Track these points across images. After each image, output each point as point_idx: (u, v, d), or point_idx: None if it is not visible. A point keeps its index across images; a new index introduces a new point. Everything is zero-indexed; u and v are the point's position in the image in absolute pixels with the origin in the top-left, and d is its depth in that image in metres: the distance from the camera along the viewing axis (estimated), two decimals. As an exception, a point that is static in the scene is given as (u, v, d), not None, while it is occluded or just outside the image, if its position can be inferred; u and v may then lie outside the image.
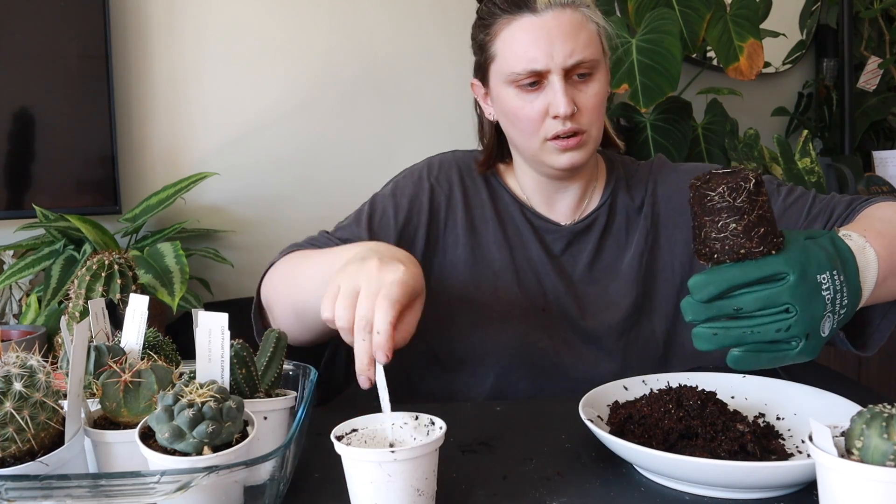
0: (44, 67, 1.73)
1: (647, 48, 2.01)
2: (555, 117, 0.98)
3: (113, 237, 1.65)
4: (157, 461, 0.58)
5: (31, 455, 0.59)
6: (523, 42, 0.97)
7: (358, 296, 0.71)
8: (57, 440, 0.61)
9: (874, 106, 2.68)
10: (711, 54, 2.43)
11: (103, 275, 1.39)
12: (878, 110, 2.68)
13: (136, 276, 1.47)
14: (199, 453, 0.58)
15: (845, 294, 0.69)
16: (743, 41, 2.13)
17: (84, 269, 1.41)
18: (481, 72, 1.06)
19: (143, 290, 1.44)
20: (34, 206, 1.65)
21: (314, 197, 2.05)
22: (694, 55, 2.40)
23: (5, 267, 1.67)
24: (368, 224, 1.06)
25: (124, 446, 0.63)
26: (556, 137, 0.99)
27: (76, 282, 1.44)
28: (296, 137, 2.04)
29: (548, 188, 1.09)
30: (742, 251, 0.66)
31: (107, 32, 1.77)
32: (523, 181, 1.11)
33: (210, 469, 0.55)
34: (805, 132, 2.24)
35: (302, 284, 0.91)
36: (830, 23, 2.70)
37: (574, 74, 0.98)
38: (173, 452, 0.58)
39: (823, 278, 0.67)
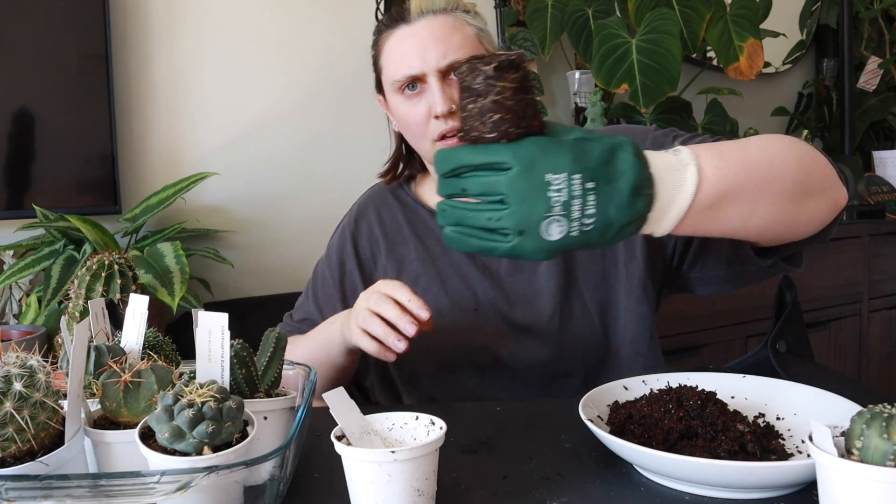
0: (44, 67, 1.73)
1: (647, 48, 2.01)
2: (436, 117, 1.03)
3: (113, 237, 1.65)
4: (157, 461, 0.58)
5: (31, 455, 0.59)
6: (400, 50, 1.05)
7: (370, 308, 0.91)
8: (57, 440, 0.61)
9: (874, 106, 2.69)
10: (711, 54, 2.43)
11: (103, 275, 1.39)
12: (878, 110, 2.69)
13: (136, 276, 1.47)
14: (199, 453, 0.58)
15: (591, 202, 0.64)
16: (743, 41, 2.12)
17: (84, 269, 1.41)
18: (378, 85, 1.14)
19: (143, 290, 1.44)
20: (34, 206, 1.65)
21: (314, 196, 2.05)
22: (694, 55, 2.40)
23: (5, 267, 1.67)
24: (314, 295, 1.21)
25: (124, 446, 0.63)
26: (443, 137, 1.04)
27: (76, 282, 1.44)
28: (296, 137, 2.04)
29: None
30: (474, 134, 0.65)
31: (107, 32, 1.77)
32: (432, 189, 1.16)
33: (210, 469, 0.55)
34: (805, 132, 2.24)
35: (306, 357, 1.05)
36: (830, 23, 2.70)
37: (452, 75, 1.03)
38: (173, 452, 0.58)
39: (556, 179, 0.63)
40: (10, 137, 1.70)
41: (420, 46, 1.03)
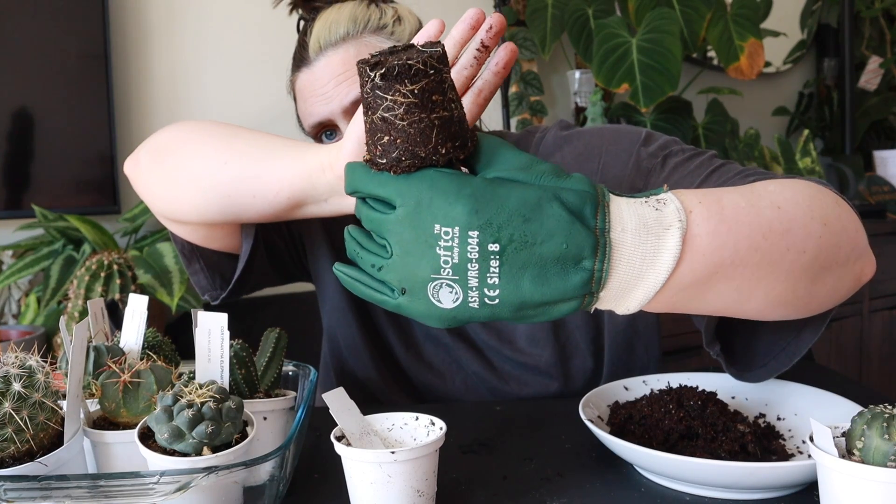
0: (43, 67, 1.73)
1: (647, 48, 2.01)
2: None
3: (112, 237, 1.65)
4: (157, 461, 0.58)
5: (30, 455, 0.59)
6: (302, 98, 0.94)
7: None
8: (56, 441, 0.61)
9: (875, 105, 2.69)
10: (712, 54, 2.43)
11: (102, 275, 1.39)
12: (878, 110, 2.69)
13: (135, 276, 1.47)
14: (199, 454, 0.58)
15: (493, 271, 0.49)
16: (743, 41, 2.13)
17: (83, 270, 1.41)
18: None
19: (142, 290, 1.44)
20: (33, 206, 1.65)
21: (314, 197, 2.05)
22: (694, 55, 2.40)
23: (4, 267, 1.67)
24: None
25: (123, 447, 0.63)
26: None
27: (75, 282, 1.44)
28: (295, 137, 2.04)
29: None
30: (367, 155, 0.52)
31: (106, 32, 1.77)
32: None
33: (209, 469, 0.55)
34: (806, 132, 2.24)
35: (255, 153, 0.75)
36: (831, 22, 2.70)
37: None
38: (173, 453, 0.58)
39: (445, 233, 0.49)
40: (10, 137, 1.70)
41: (322, 91, 0.89)
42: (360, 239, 0.53)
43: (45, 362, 0.62)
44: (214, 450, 0.58)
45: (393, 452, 0.59)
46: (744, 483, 0.64)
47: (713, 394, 0.77)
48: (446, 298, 0.50)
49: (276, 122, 2.01)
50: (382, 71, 0.47)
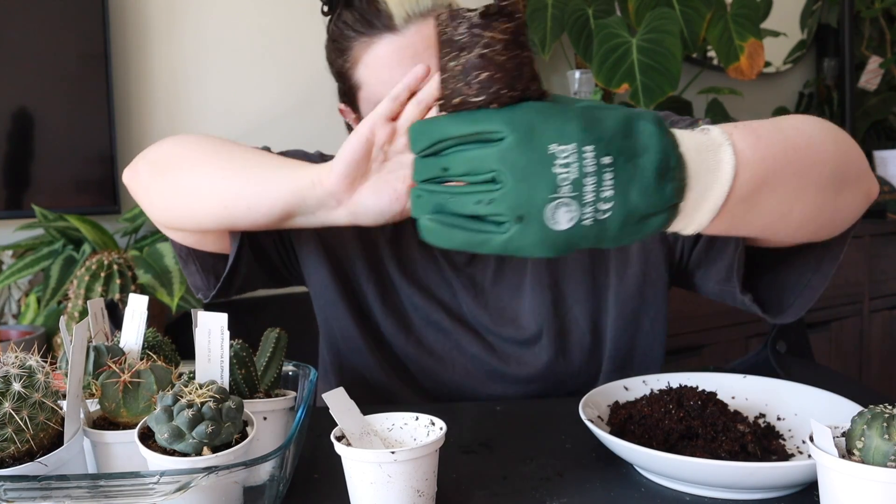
0: (43, 67, 1.73)
1: (647, 48, 2.01)
2: None
3: (112, 237, 1.65)
4: (157, 462, 0.58)
5: (29, 456, 0.59)
6: (388, 66, 0.90)
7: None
8: (56, 441, 0.61)
9: (875, 105, 2.69)
10: (712, 54, 2.43)
11: (102, 275, 1.39)
12: (878, 110, 2.69)
13: (135, 276, 1.47)
14: (199, 454, 0.58)
15: (608, 182, 0.51)
16: (743, 41, 2.13)
17: (83, 270, 1.41)
18: (346, 97, 0.99)
19: (142, 290, 1.44)
20: (33, 206, 1.65)
21: (314, 197, 2.05)
22: (694, 55, 2.40)
23: (4, 267, 1.67)
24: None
25: (123, 447, 0.63)
26: None
27: (75, 282, 1.44)
28: (295, 137, 2.03)
29: None
30: (457, 99, 0.53)
31: (106, 32, 1.77)
32: None
33: (209, 469, 0.55)
34: (805, 132, 2.23)
35: (244, 169, 0.81)
36: (831, 22, 2.70)
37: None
38: (172, 453, 0.58)
39: (562, 151, 0.50)
40: (10, 137, 1.70)
41: (415, 59, 0.88)
42: (445, 188, 0.54)
43: (45, 362, 0.62)
44: (214, 450, 0.58)
45: (393, 452, 0.59)
46: (744, 483, 0.64)
47: (713, 394, 0.77)
48: (563, 218, 0.51)
49: (277, 122, 2.01)
50: (482, 10, 0.51)
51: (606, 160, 0.51)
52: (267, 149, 0.97)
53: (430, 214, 0.54)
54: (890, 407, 0.54)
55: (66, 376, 0.61)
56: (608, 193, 0.51)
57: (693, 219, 0.57)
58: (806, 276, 0.79)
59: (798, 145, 0.63)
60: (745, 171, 0.57)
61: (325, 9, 0.99)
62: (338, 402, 0.66)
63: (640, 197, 0.52)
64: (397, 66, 0.90)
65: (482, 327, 1.02)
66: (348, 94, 0.99)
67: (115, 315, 0.87)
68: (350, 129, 1.07)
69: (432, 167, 0.54)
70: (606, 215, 0.52)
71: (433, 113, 0.75)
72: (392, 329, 1.02)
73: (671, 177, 0.53)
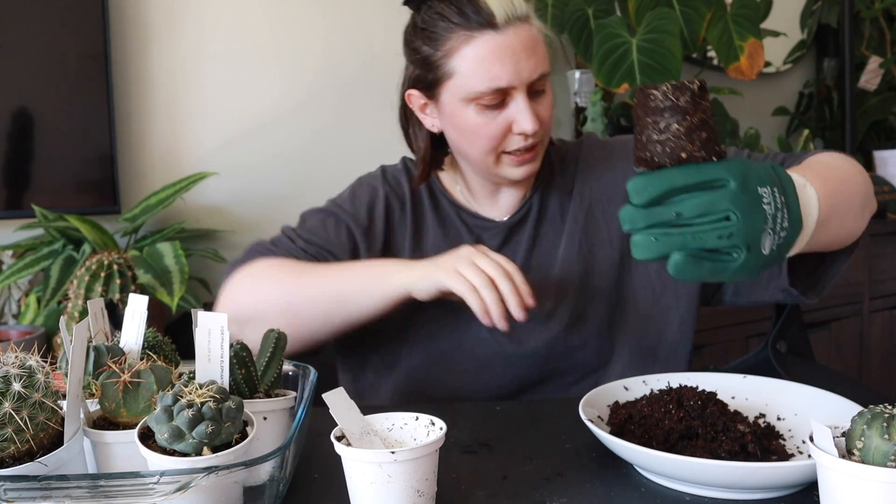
0: (43, 67, 1.73)
1: (647, 48, 2.01)
2: (518, 134, 0.98)
3: (112, 237, 1.65)
4: (157, 461, 0.58)
5: (30, 455, 0.59)
6: (487, 61, 0.95)
7: (476, 264, 0.88)
8: (56, 440, 0.61)
9: (875, 105, 2.69)
10: (712, 54, 2.43)
11: (102, 275, 1.39)
12: (878, 110, 2.69)
13: (135, 276, 1.47)
14: (199, 454, 0.58)
15: (786, 216, 0.66)
16: (743, 41, 2.12)
17: (83, 270, 1.41)
18: (425, 85, 1.02)
19: (142, 290, 1.44)
20: (33, 206, 1.65)
21: (314, 196, 2.03)
22: (694, 55, 2.39)
23: (4, 267, 1.67)
24: (327, 227, 1.08)
25: (123, 447, 0.63)
26: (514, 152, 0.99)
27: (75, 282, 1.44)
28: (295, 137, 2.04)
29: (494, 189, 1.09)
30: (683, 154, 0.63)
31: (106, 32, 1.77)
32: (469, 183, 1.10)
33: (209, 469, 0.55)
34: (806, 132, 2.24)
35: (324, 297, 0.97)
36: (831, 22, 2.70)
37: (533, 89, 0.97)
38: (173, 453, 0.58)
39: (764, 192, 0.64)
40: (10, 137, 1.70)
41: (513, 59, 0.94)
42: (681, 230, 0.63)
43: (45, 362, 0.62)
44: (214, 450, 0.58)
45: (393, 452, 0.59)
46: (744, 483, 0.64)
47: (713, 394, 0.77)
48: (766, 244, 0.65)
49: (277, 122, 2.01)
50: (700, 84, 0.64)
51: (781, 199, 0.66)
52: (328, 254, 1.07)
53: (678, 252, 0.64)
54: (890, 407, 0.54)
55: (66, 376, 0.61)
56: (786, 224, 0.66)
57: (799, 243, 0.71)
58: (839, 259, 0.94)
59: (843, 179, 0.85)
60: (822, 204, 0.73)
61: None
62: (338, 402, 0.66)
63: (794, 226, 0.67)
64: (497, 62, 0.95)
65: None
66: (431, 81, 1.01)
67: (115, 315, 0.87)
68: (405, 114, 1.10)
69: (663, 213, 0.64)
70: (781, 241, 0.66)
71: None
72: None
73: (800, 214, 0.69)
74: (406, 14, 1.06)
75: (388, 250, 1.08)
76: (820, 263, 0.95)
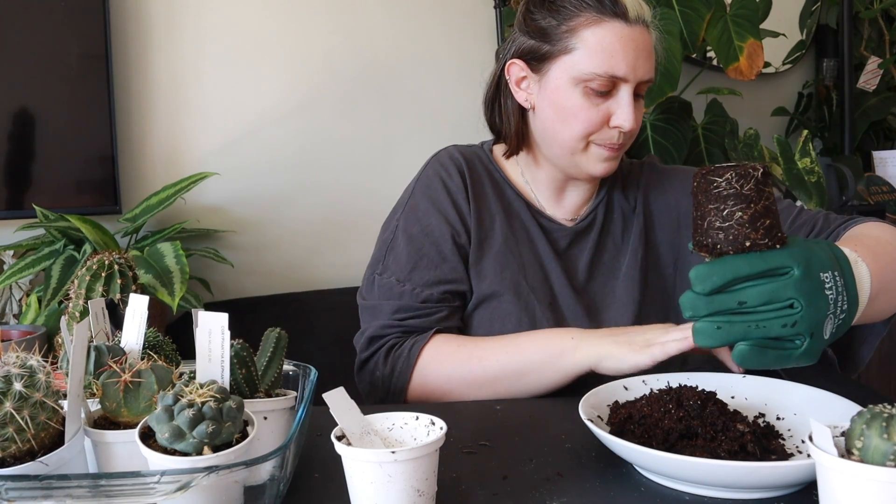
0: (44, 67, 1.73)
1: (647, 48, 2.00)
2: (613, 127, 0.99)
3: (113, 237, 1.65)
4: (157, 461, 0.58)
5: (31, 455, 0.59)
6: (612, 47, 0.97)
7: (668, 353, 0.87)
8: (57, 440, 0.61)
9: (874, 106, 2.68)
10: (711, 54, 2.43)
11: (103, 275, 1.39)
12: (877, 110, 2.68)
13: (136, 276, 1.47)
14: (199, 453, 0.58)
15: (845, 299, 0.67)
16: (743, 41, 2.13)
17: (84, 269, 1.41)
18: (536, 56, 1.02)
19: (143, 290, 1.44)
20: (34, 206, 1.65)
21: (314, 197, 2.05)
22: (694, 55, 2.40)
23: (5, 267, 1.67)
24: (430, 258, 1.05)
25: (124, 446, 0.63)
26: (604, 144, 1.00)
27: (76, 282, 1.44)
28: (296, 137, 2.04)
29: (561, 185, 1.10)
30: (747, 242, 0.63)
31: (107, 32, 1.77)
32: (535, 175, 1.10)
33: (210, 469, 0.55)
34: (805, 132, 2.24)
35: (509, 375, 0.98)
36: (830, 23, 2.70)
37: (637, 91, 1.00)
38: (173, 452, 0.58)
39: (826, 277, 0.65)
40: (10, 137, 1.70)
41: (635, 53, 0.97)
42: (743, 318, 0.64)
43: (46, 362, 0.62)
44: (215, 449, 0.59)
45: (393, 452, 0.60)
46: (743, 483, 0.64)
47: (713, 393, 0.77)
48: (828, 329, 0.65)
49: (277, 122, 2.01)
50: (763, 170, 0.64)
51: (840, 282, 0.66)
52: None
53: (743, 343, 0.64)
54: (889, 406, 0.54)
55: (67, 376, 0.61)
56: (845, 306, 0.66)
57: (853, 319, 0.71)
58: (873, 336, 0.99)
59: (889, 252, 0.84)
60: (874, 281, 0.74)
61: None
62: (338, 401, 0.66)
63: (850, 307, 0.68)
64: (620, 50, 0.97)
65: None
66: (544, 53, 1.02)
67: (116, 315, 0.87)
68: (497, 84, 1.09)
69: (727, 302, 0.64)
70: (840, 322, 0.67)
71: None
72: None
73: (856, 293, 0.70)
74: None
75: (475, 236, 1.07)
76: (853, 330, 0.96)
